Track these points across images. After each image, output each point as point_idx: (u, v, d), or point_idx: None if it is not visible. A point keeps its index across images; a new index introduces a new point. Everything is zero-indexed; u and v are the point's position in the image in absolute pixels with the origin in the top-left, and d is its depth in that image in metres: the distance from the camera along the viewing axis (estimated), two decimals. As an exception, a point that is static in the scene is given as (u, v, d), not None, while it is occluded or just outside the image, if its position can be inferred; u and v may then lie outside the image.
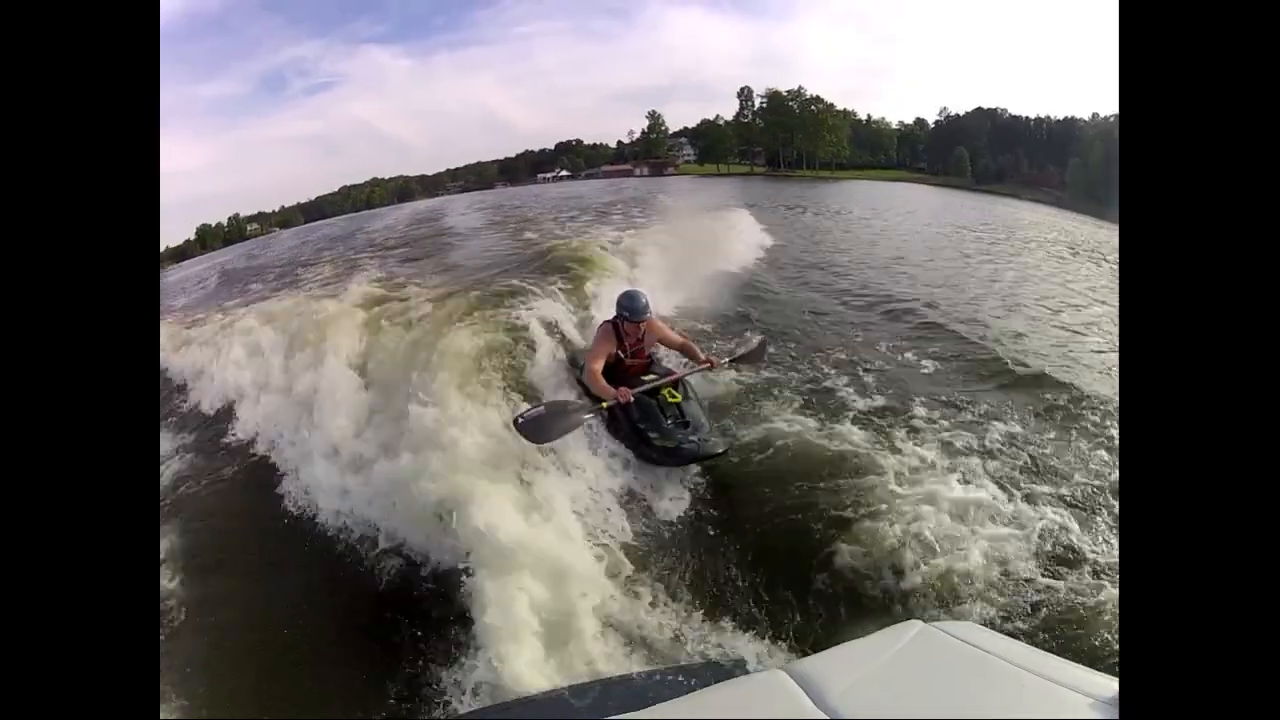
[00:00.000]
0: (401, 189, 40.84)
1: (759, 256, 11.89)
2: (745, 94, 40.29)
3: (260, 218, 39.28)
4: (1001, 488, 4.25)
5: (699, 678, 2.25)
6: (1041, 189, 34.70)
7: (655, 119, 40.81)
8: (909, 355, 6.72)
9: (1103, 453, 4.66)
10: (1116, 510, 4.07)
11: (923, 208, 27.56)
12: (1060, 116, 37.92)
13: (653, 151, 40.57)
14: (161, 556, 4.79)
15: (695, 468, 4.68)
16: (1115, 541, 3.81)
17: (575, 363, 5.88)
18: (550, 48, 50.60)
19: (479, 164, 41.85)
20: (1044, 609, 3.38)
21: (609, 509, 4.46)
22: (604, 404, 4.84)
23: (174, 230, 35.97)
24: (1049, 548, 3.73)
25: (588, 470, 4.72)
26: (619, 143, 41.78)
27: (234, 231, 38.21)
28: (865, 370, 6.14)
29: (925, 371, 6.31)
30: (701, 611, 3.74)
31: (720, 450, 4.60)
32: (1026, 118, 39.25)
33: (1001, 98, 42.15)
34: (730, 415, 5.31)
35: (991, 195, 34.35)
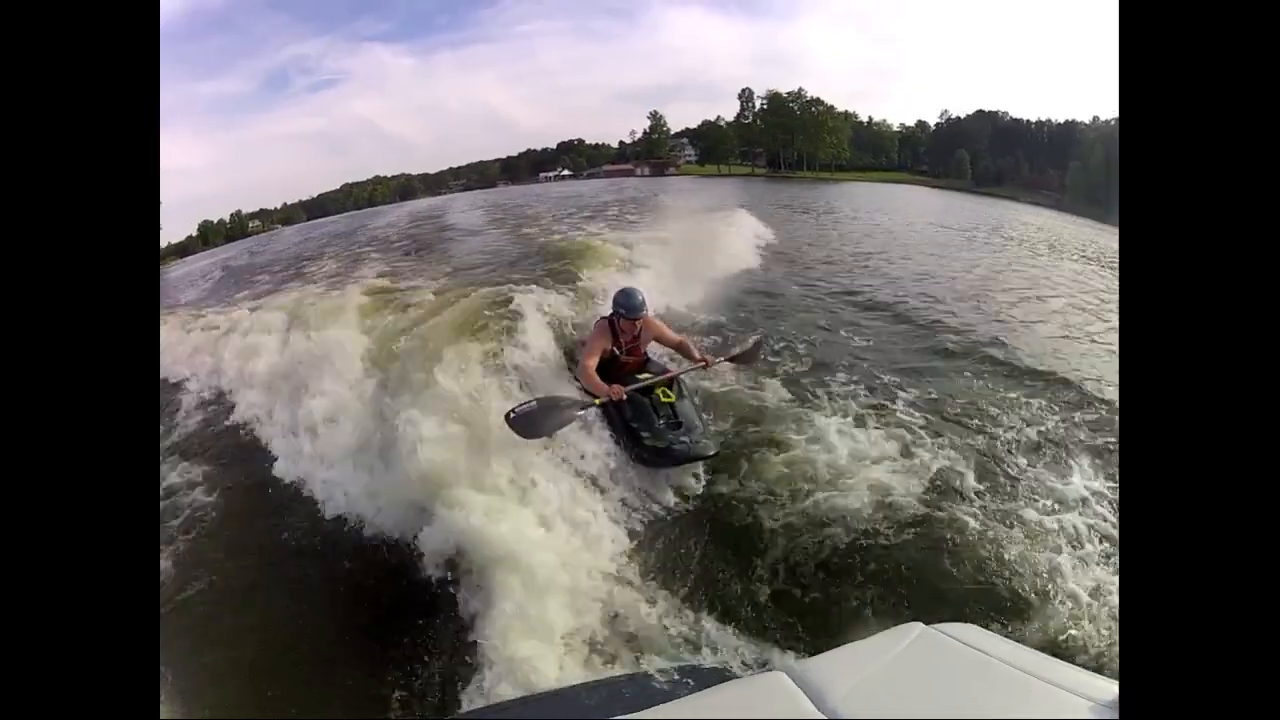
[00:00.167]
0: (404, 187, 40.86)
1: (754, 253, 12.09)
2: (746, 95, 40.39)
3: (262, 215, 39.30)
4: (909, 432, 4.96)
5: (699, 679, 2.24)
6: (1041, 192, 34.72)
7: (657, 119, 40.90)
8: (844, 333, 7.73)
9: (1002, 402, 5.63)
10: (1015, 462, 4.76)
11: (913, 208, 27.89)
12: (1061, 120, 37.93)
13: (654, 152, 40.58)
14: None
15: (693, 466, 4.68)
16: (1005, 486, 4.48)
17: (573, 358, 5.87)
18: (553, 47, 50.62)
19: (481, 163, 41.91)
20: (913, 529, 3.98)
21: (607, 508, 4.46)
22: (596, 401, 4.83)
23: (176, 227, 35.99)
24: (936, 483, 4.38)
25: (585, 467, 4.72)
26: (621, 143, 41.86)
27: (236, 228, 38.21)
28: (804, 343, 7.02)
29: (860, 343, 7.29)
30: (702, 612, 3.74)
31: (711, 452, 4.59)
32: (1028, 121, 39.28)
33: (1003, 100, 42.20)
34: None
35: (991, 198, 34.34)
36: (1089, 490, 4.38)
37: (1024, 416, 5.36)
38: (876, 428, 5.00)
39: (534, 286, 7.62)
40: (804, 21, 51.67)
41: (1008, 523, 4.07)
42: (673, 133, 41.21)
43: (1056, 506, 4.25)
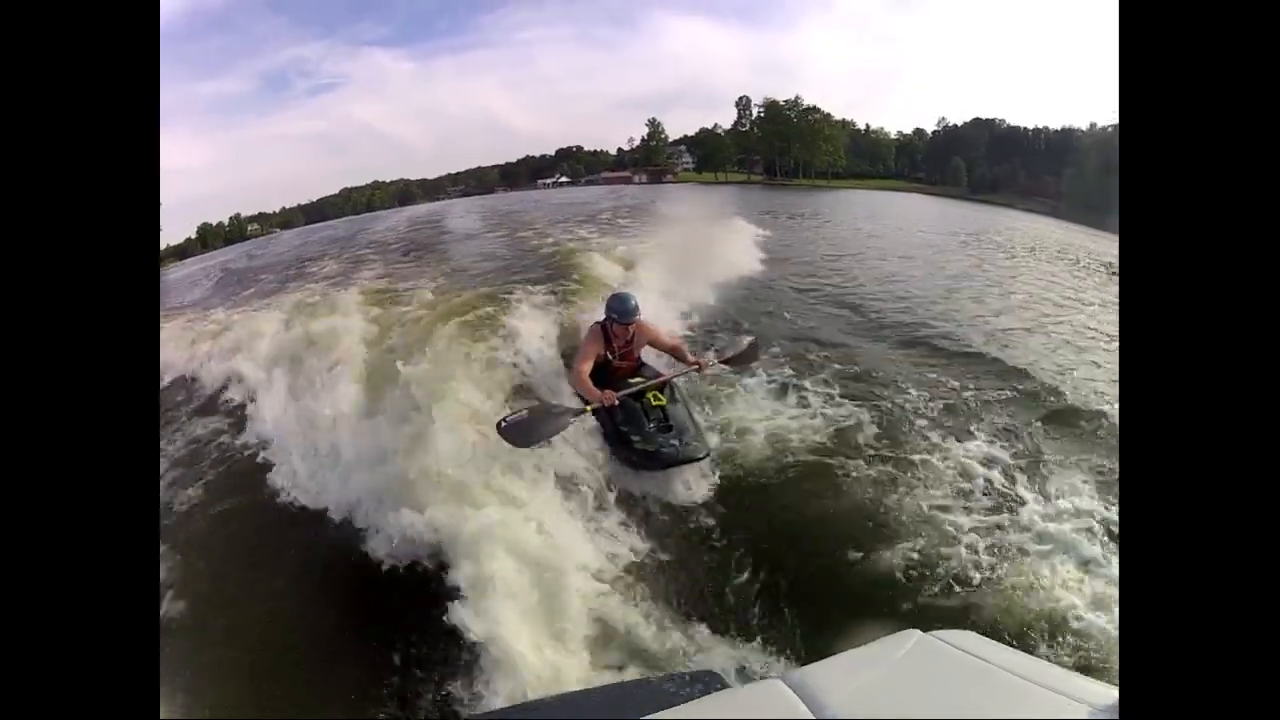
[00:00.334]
0: (402, 192, 40.91)
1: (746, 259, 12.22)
2: (743, 103, 40.55)
3: (261, 218, 39.33)
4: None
5: (696, 686, 2.12)
6: (1037, 198, 34.79)
7: (655, 127, 41.05)
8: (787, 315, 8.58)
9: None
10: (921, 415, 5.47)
11: (901, 214, 28.31)
12: (1058, 127, 38.10)
13: (652, 159, 40.72)
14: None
15: (690, 472, 4.69)
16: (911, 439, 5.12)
17: (569, 363, 5.87)
18: (553, 54, 50.70)
19: (480, 168, 42.00)
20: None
21: (603, 514, 4.47)
22: (589, 406, 4.82)
23: (175, 228, 36.03)
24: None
25: (581, 474, 4.73)
26: (619, 150, 42.02)
27: (235, 231, 38.24)
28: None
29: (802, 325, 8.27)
30: (699, 619, 3.75)
31: (700, 455, 4.58)
32: (1024, 128, 39.45)
33: (1001, 108, 42.33)
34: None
35: (987, 205, 34.50)
36: (983, 454, 4.94)
37: (939, 391, 6.08)
38: (801, 390, 5.91)
39: (530, 292, 7.69)
40: (804, 30, 51.90)
41: (898, 470, 4.73)
42: (671, 140, 41.40)
43: (947, 463, 4.83)
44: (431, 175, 42.31)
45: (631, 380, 5.10)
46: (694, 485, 4.66)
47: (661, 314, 7.09)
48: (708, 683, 2.49)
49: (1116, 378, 6.71)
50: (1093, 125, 35.86)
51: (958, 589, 3.73)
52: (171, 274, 25.95)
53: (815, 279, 11.47)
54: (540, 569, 3.84)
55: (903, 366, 6.82)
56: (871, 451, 4.98)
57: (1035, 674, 1.34)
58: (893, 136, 42.23)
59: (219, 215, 38.35)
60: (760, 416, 5.45)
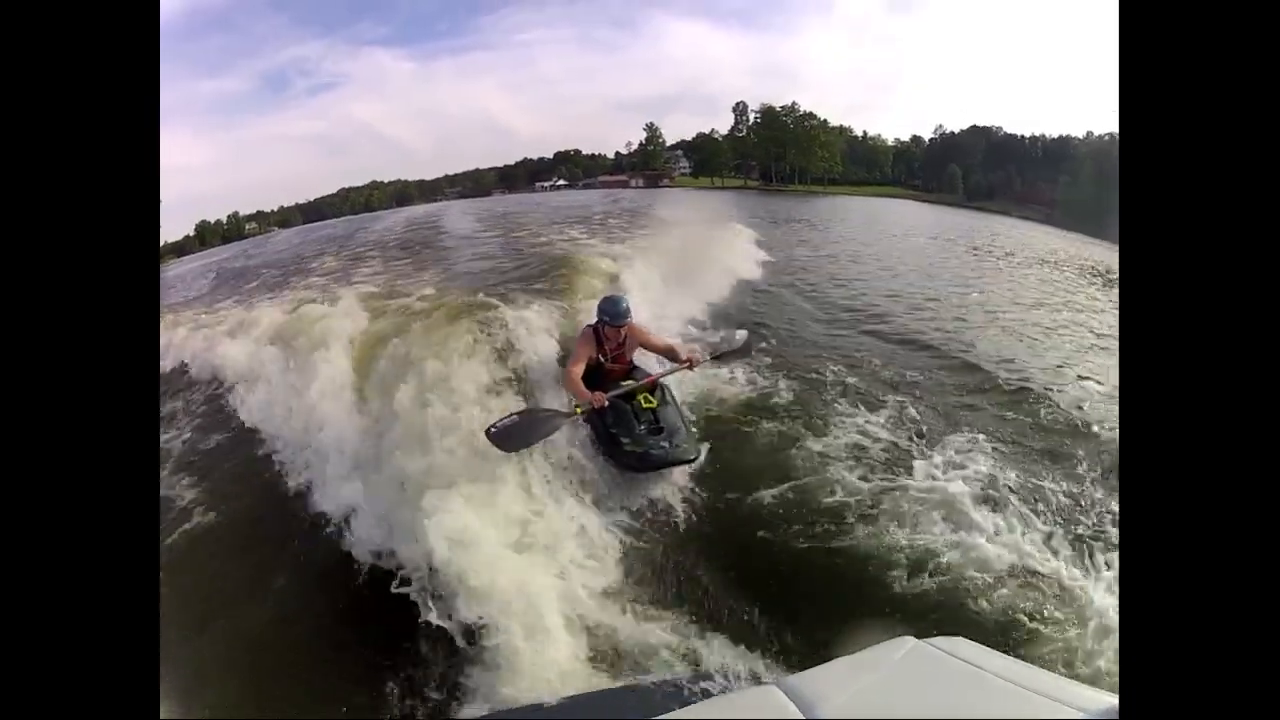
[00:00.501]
0: (400, 193, 40.96)
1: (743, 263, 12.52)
2: (740, 109, 40.79)
3: (259, 217, 39.41)
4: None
5: (692, 692, 2.25)
6: (1032, 206, 34.95)
7: (653, 131, 41.22)
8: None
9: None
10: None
11: (890, 220, 28.80)
12: (1055, 135, 38.33)
13: (649, 163, 40.80)
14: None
15: (683, 476, 4.73)
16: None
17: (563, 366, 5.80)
18: (553, 56, 50.87)
19: (478, 170, 42.11)
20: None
21: (599, 520, 4.48)
22: (579, 409, 4.83)
23: (174, 225, 36.07)
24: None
25: (574, 479, 4.75)
26: (617, 154, 42.14)
27: (233, 229, 38.30)
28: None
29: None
30: (695, 625, 3.76)
31: (691, 457, 4.58)
32: (1021, 136, 39.70)
33: (999, 115, 42.58)
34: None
35: (982, 212, 34.68)
36: (878, 421, 5.55)
37: (861, 371, 6.70)
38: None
39: (526, 295, 7.64)
40: (804, 36, 52.07)
41: (804, 429, 5.30)
42: (668, 144, 41.52)
43: (842, 428, 5.44)
44: (430, 176, 42.41)
45: (625, 383, 5.08)
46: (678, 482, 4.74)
47: (639, 310, 7.15)
48: (704, 687, 2.57)
49: (1048, 363, 7.61)
50: (1089, 134, 36.13)
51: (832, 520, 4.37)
52: (171, 270, 25.99)
53: (791, 274, 12.12)
54: (536, 575, 3.86)
55: (830, 342, 7.82)
56: (784, 413, 5.62)
57: (1029, 680, 1.36)
58: (890, 143, 42.46)
59: (218, 213, 38.46)
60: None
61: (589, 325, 5.36)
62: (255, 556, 4.98)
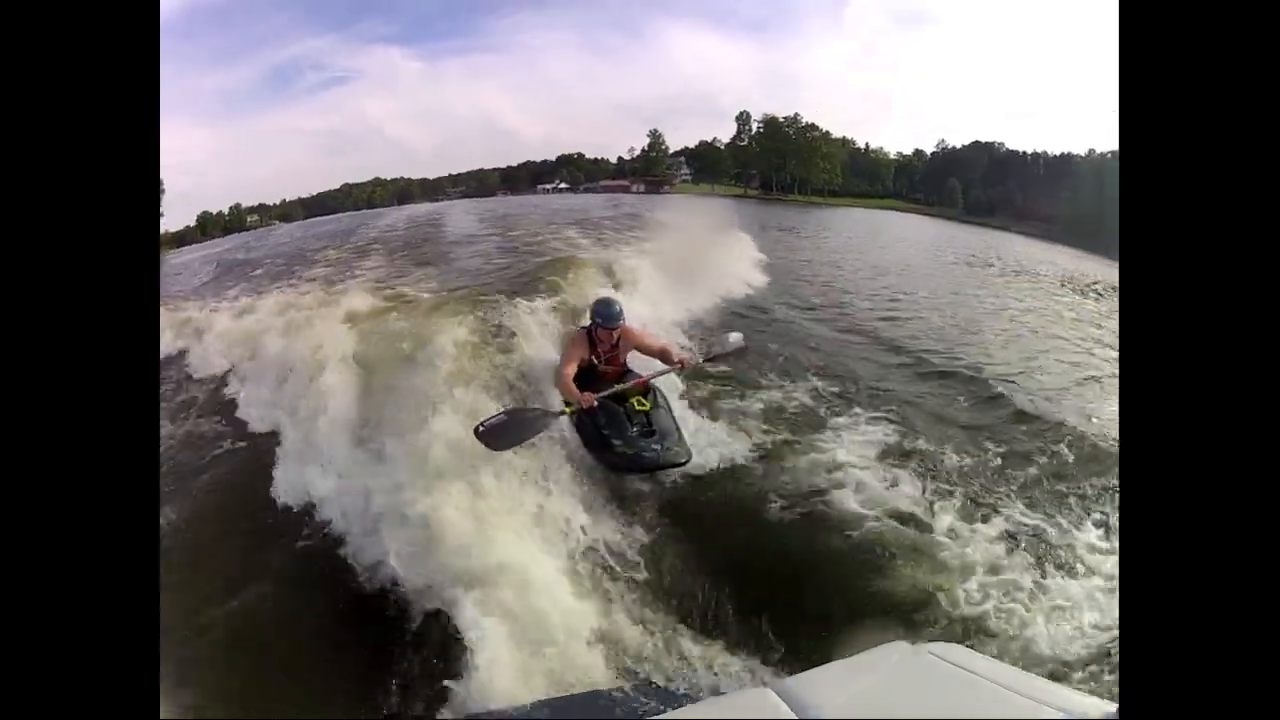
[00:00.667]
0: (403, 190, 40.95)
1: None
2: (743, 118, 40.75)
3: (261, 209, 39.38)
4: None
5: (686, 694, 2.31)
6: (1031, 222, 35.01)
7: (656, 138, 41.09)
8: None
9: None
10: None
11: (884, 232, 29.66)
12: (1057, 152, 38.37)
13: (651, 170, 40.74)
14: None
15: (679, 479, 4.83)
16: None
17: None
18: (559, 59, 50.53)
19: (481, 171, 42.00)
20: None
21: (591, 521, 4.53)
22: (568, 409, 4.89)
23: (175, 216, 35.91)
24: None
25: (566, 481, 4.80)
26: (619, 159, 42.03)
27: (234, 221, 38.25)
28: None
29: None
30: (688, 626, 3.82)
31: (682, 460, 4.63)
32: (1024, 152, 39.66)
33: (1001, 132, 42.37)
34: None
35: (981, 227, 34.78)
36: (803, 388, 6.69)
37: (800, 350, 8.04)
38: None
39: (525, 296, 7.70)
40: (812, 46, 51.56)
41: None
42: (671, 151, 41.48)
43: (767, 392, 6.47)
44: (432, 175, 42.41)
45: (616, 385, 5.12)
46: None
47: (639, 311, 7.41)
48: (698, 690, 2.65)
49: (1004, 360, 8.59)
50: (1091, 151, 36.06)
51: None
52: (171, 259, 26.03)
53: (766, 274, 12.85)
54: (525, 576, 3.89)
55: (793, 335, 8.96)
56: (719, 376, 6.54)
57: (1024, 687, 1.36)
58: (892, 156, 42.48)
59: (220, 204, 38.40)
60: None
61: (583, 327, 5.46)
62: (245, 557, 4.98)
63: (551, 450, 5.02)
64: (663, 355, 5.41)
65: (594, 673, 3.57)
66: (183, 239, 34.87)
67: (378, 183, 41.20)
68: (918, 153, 42.22)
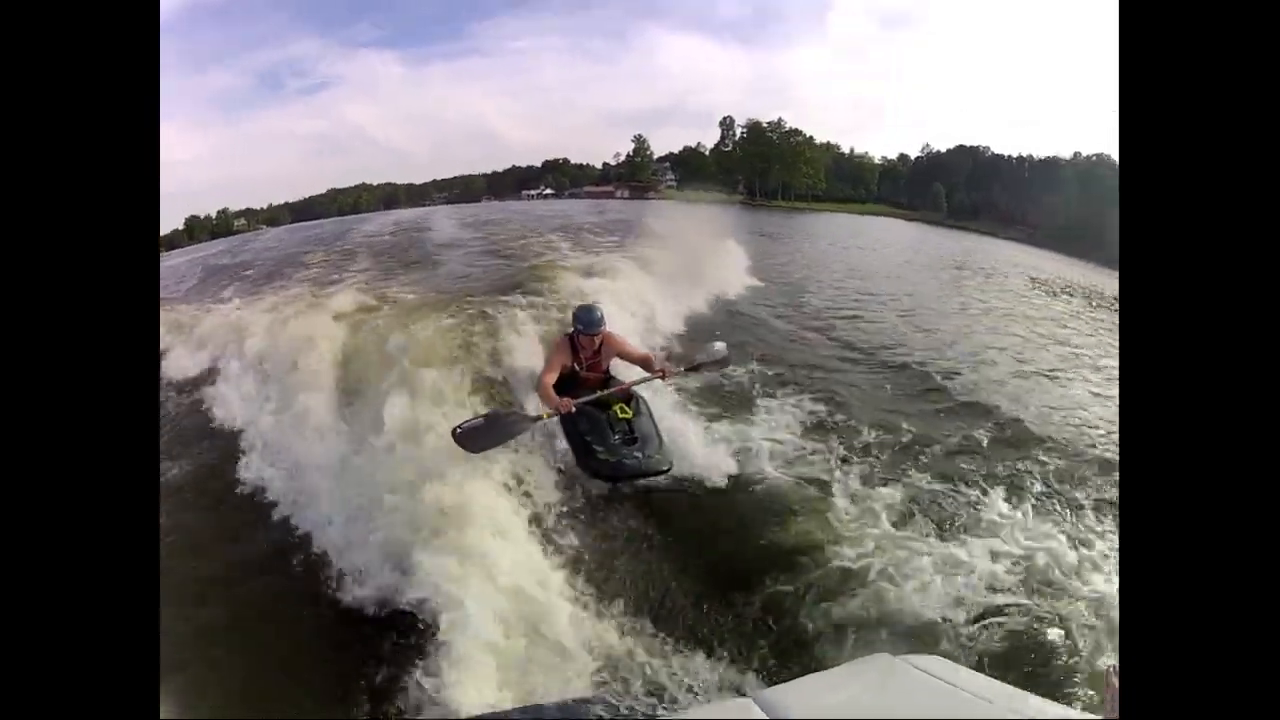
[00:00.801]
0: (388, 196, 40.97)
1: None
2: (727, 123, 40.98)
3: (248, 214, 39.31)
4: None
5: (668, 704, 2.30)
6: (1016, 226, 35.25)
7: (641, 143, 41.32)
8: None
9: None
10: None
11: (861, 236, 30.28)
12: (1042, 155, 38.64)
13: (636, 175, 40.93)
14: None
15: (664, 488, 4.98)
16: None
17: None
18: (546, 64, 50.51)
19: (466, 176, 42.05)
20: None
21: (575, 529, 4.70)
22: (545, 414, 4.90)
23: (164, 219, 35.61)
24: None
25: (549, 487, 4.98)
26: (604, 164, 42.23)
27: (221, 225, 38.17)
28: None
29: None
30: (671, 637, 3.86)
31: (664, 468, 4.68)
32: (1008, 156, 39.91)
33: (986, 136, 42.54)
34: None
35: (964, 231, 35.09)
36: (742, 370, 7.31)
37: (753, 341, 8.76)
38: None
39: (508, 302, 7.92)
40: (800, 52, 51.46)
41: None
42: (656, 157, 41.68)
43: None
44: (419, 180, 42.42)
45: (599, 391, 5.17)
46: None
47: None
48: (680, 700, 2.67)
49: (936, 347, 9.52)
50: (1076, 154, 36.33)
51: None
52: (160, 262, 25.98)
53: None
54: (511, 584, 3.99)
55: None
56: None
57: (1003, 698, 1.38)
58: (877, 161, 42.72)
59: (207, 208, 38.30)
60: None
61: (564, 334, 5.52)
62: (238, 557, 5.10)
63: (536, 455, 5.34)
64: (644, 363, 5.44)
65: (574, 682, 3.60)
66: (172, 243, 34.76)
67: (363, 188, 41.15)
68: (902, 157, 42.45)
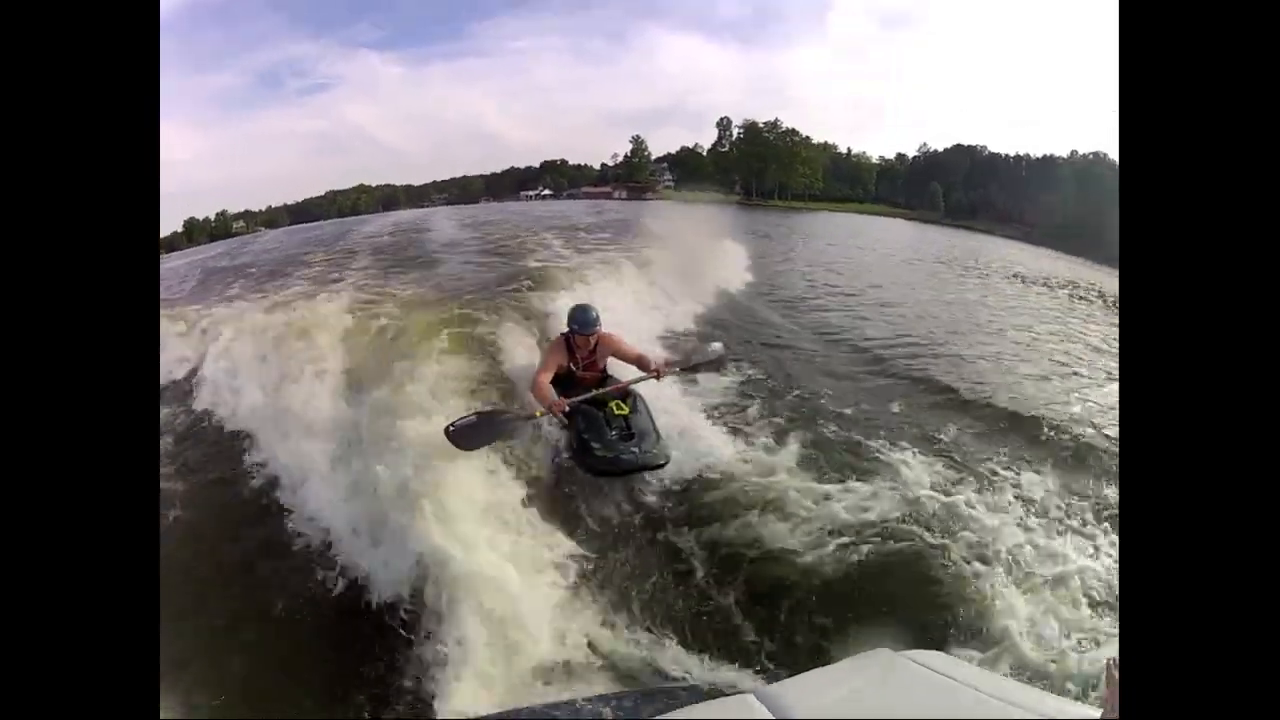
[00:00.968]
0: (387, 197, 41.04)
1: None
2: (724, 124, 41.11)
3: (247, 216, 39.35)
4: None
5: (668, 701, 2.27)
6: (1014, 224, 35.35)
7: (638, 144, 41.50)
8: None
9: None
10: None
11: (856, 235, 30.46)
12: (1040, 154, 38.77)
13: (634, 176, 41.04)
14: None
15: (660, 484, 5.04)
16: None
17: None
18: (546, 65, 50.60)
19: (465, 178, 42.18)
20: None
21: (571, 527, 4.67)
22: (539, 413, 4.96)
23: (163, 221, 35.73)
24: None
25: (546, 486, 4.97)
26: (603, 165, 42.37)
27: (220, 228, 38.20)
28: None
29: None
30: (672, 634, 3.90)
31: (661, 462, 4.73)
32: (1006, 155, 40.03)
33: (984, 135, 42.69)
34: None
35: (962, 230, 35.22)
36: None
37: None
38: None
39: (508, 302, 7.94)
40: (799, 52, 51.69)
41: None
42: (654, 158, 41.81)
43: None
44: (418, 181, 42.49)
45: (595, 390, 5.20)
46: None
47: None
48: (680, 697, 2.67)
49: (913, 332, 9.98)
50: (1073, 153, 36.46)
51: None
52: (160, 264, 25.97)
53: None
54: (508, 585, 3.96)
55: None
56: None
57: (1005, 693, 1.37)
58: (875, 161, 42.80)
59: (205, 210, 38.34)
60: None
61: (560, 334, 5.55)
62: (235, 558, 5.09)
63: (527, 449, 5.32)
64: (639, 362, 5.46)
65: (573, 679, 3.66)
66: (171, 245, 34.76)
67: (362, 189, 41.24)
68: (900, 157, 42.56)
